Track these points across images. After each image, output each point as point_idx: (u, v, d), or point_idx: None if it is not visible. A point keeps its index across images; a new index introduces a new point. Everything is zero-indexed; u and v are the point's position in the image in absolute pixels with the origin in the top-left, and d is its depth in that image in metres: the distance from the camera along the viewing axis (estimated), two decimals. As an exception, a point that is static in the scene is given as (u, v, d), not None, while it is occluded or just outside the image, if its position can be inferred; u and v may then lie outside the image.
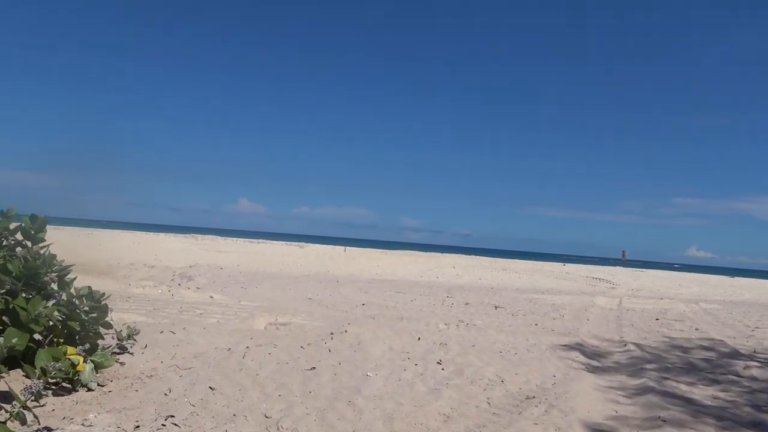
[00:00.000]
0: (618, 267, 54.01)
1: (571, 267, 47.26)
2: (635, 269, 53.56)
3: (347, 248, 50.92)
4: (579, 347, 10.12)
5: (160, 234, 56.67)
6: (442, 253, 60.20)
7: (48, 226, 6.88)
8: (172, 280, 22.72)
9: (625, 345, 10.51)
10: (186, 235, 57.30)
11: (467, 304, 16.64)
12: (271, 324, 10.50)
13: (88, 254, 29.51)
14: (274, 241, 58.38)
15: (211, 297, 13.47)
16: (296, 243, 55.97)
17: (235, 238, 56.37)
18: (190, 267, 25.79)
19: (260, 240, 56.90)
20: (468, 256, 54.76)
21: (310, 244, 55.60)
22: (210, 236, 54.08)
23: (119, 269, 26.44)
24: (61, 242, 29.06)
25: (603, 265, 59.71)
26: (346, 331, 9.70)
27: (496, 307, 15.82)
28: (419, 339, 9.68)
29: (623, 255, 60.37)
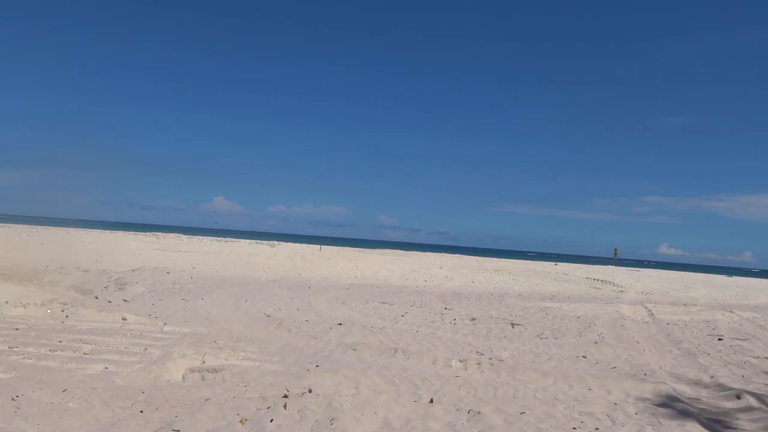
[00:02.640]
0: (610, 266, 51.19)
1: (564, 267, 44.13)
2: (629, 268, 50.73)
3: (323, 247, 46.99)
4: (676, 403, 6.49)
5: (119, 232, 52.06)
6: (423, 251, 56.69)
7: None
8: (105, 288, 18.63)
9: (738, 397, 6.89)
10: (148, 233, 52.64)
11: (473, 319, 12.95)
12: (193, 370, 6.64)
13: (16, 255, 25.25)
14: (244, 240, 54.13)
15: (124, 319, 9.53)
16: (267, 241, 51.83)
17: (201, 237, 51.99)
18: (133, 271, 21.70)
19: (229, 239, 52.57)
20: (452, 255, 51.27)
21: (282, 243, 51.51)
22: (174, 234, 49.65)
23: (47, 274, 22.20)
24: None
25: (594, 263, 56.98)
26: (309, 390, 5.90)
27: (513, 325, 12.16)
28: (431, 400, 5.93)
29: (615, 253, 57.67)
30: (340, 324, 11.03)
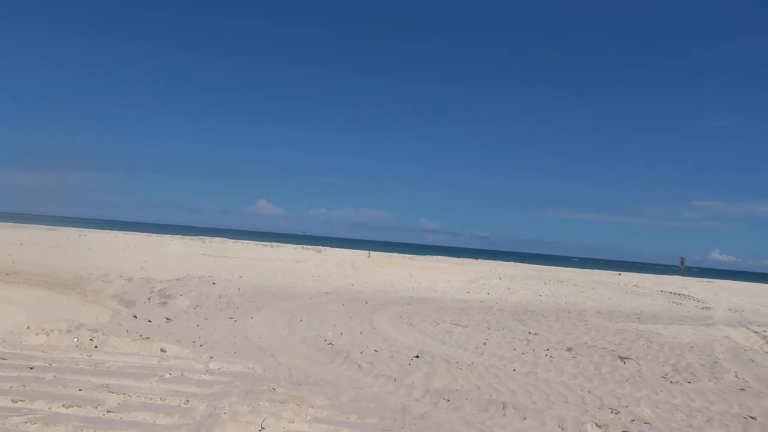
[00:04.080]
0: (677, 276, 47.60)
1: (629, 277, 41.06)
2: (698, 279, 47.02)
3: (371, 253, 45.24)
4: None
5: (165, 236, 51.73)
6: (466, 257, 54.37)
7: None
8: (148, 299, 17.29)
9: None
10: (194, 237, 52.10)
11: (570, 350, 10.86)
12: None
13: (59, 262, 24.42)
14: (290, 244, 52.97)
15: (162, 351, 7.89)
16: (313, 246, 50.50)
17: (246, 241, 51.07)
18: (177, 280, 20.39)
19: (274, 243, 51.47)
20: (506, 262, 48.68)
21: (328, 248, 50.07)
22: (219, 239, 48.87)
23: (90, 281, 21.14)
24: (38, 245, 23.38)
25: (656, 273, 53.36)
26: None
27: (623, 360, 10.01)
28: None
29: (682, 263, 53.53)
30: (417, 356, 9.14)
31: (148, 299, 17.37)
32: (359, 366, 8.17)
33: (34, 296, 18.13)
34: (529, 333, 12.84)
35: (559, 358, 9.94)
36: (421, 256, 49.00)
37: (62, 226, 61.59)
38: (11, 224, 52.11)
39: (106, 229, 63.96)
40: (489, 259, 55.82)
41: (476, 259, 51.89)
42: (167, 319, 11.70)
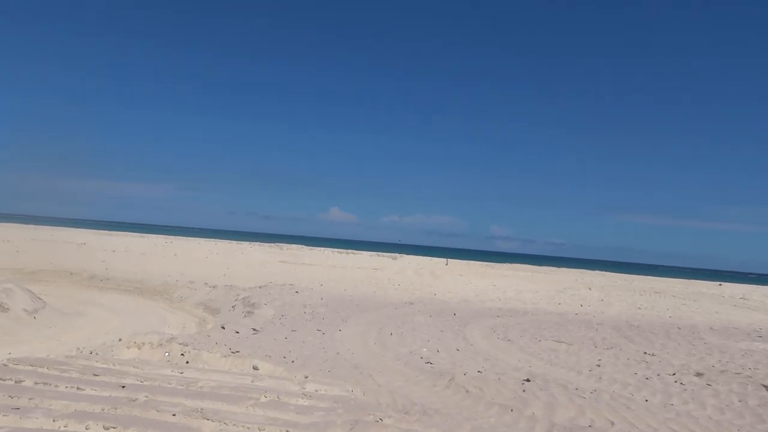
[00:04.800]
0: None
1: (733, 288, 37.64)
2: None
3: (449, 261, 44.12)
4: None
5: (244, 243, 52.89)
6: (543, 265, 52.02)
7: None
8: (232, 308, 17.18)
9: None
10: (271, 244, 52.95)
11: (700, 375, 9.48)
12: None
13: (148, 269, 25.07)
14: (364, 252, 52.74)
15: (255, 368, 7.34)
16: (388, 254, 49.98)
17: (322, 248, 51.32)
18: (260, 288, 20.29)
19: (349, 250, 51.46)
20: (591, 271, 46.06)
21: (404, 255, 49.36)
22: (295, 246, 49.34)
23: (177, 288, 21.44)
24: (129, 252, 24.09)
25: (761, 284, 48.89)
26: None
27: (770, 390, 8.55)
28: None
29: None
30: (528, 380, 8.14)
31: (233, 307, 17.27)
32: (467, 391, 7.29)
33: (125, 303, 18.52)
34: (645, 353, 11.46)
35: (692, 386, 8.62)
36: (500, 264, 47.34)
37: (150, 233, 64.45)
38: (105, 231, 54.95)
39: (189, 236, 66.31)
40: (567, 267, 53.25)
41: (558, 267, 49.56)
42: (254, 330, 11.29)
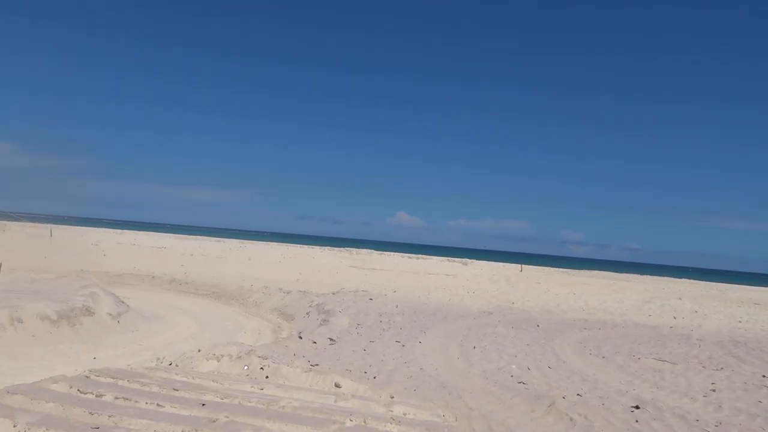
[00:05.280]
0: None
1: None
2: None
3: (523, 267, 42.61)
4: None
5: (315, 247, 53.42)
6: (621, 272, 49.21)
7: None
8: (306, 314, 16.97)
9: None
10: (342, 249, 53.16)
11: (840, 406, 8.15)
12: None
13: (224, 273, 25.49)
14: (434, 257, 51.95)
15: (337, 386, 6.88)
16: (458, 259, 48.97)
17: (391, 253, 50.98)
18: (333, 294, 20.04)
19: (419, 255, 50.85)
20: (679, 279, 43.10)
21: (474, 261, 48.20)
22: (365, 250, 49.23)
23: (252, 293, 21.58)
24: (206, 256, 24.54)
25: None
26: None
27: None
28: None
29: None
30: (637, 407, 7.24)
31: (307, 314, 17.08)
32: (571, 419, 6.50)
33: (203, 307, 18.76)
34: (763, 377, 10.16)
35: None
36: (577, 271, 45.23)
37: (224, 237, 66.38)
38: (184, 236, 57.05)
39: (262, 240, 67.82)
40: (648, 273, 50.22)
41: (640, 275, 46.81)
42: (331, 340, 10.90)
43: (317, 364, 8.21)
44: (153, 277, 23.17)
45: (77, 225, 60.89)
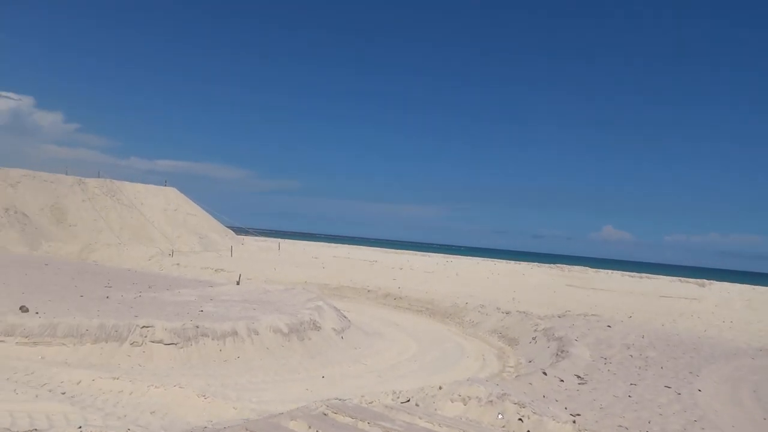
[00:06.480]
0: None
1: None
2: None
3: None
4: None
5: (522, 263, 50.93)
6: None
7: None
8: (533, 340, 15.15)
9: None
10: (552, 265, 49.87)
11: None
12: None
13: (437, 289, 24.79)
14: (660, 276, 45.65)
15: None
16: (693, 280, 42.22)
17: (608, 271, 46.14)
18: (559, 318, 17.83)
19: (642, 274, 45.07)
20: None
21: (713, 282, 41.10)
22: (578, 267, 45.31)
23: (467, 312, 20.33)
24: (414, 271, 24.28)
25: None
26: None
27: None
28: None
29: None
30: None
31: (533, 339, 15.29)
32: None
33: (418, 324, 18.08)
34: None
35: None
36: None
37: (423, 251, 67.19)
38: (390, 250, 58.93)
39: (467, 255, 67.16)
40: None
41: None
42: (579, 378, 9.07)
43: (579, 415, 6.53)
44: (368, 290, 23.46)
45: (298, 239, 66.83)
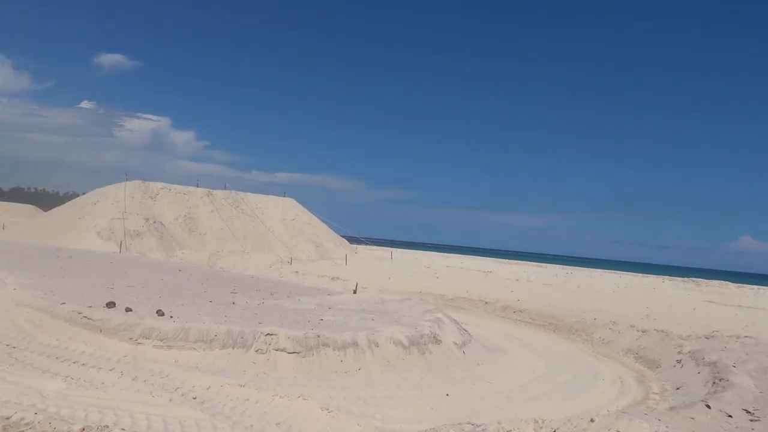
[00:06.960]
0: None
1: None
2: None
3: None
4: None
5: (650, 276, 47.03)
6: None
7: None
8: (678, 363, 13.51)
9: None
10: (686, 279, 45.60)
11: None
12: None
13: (559, 302, 23.24)
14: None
15: None
16: None
17: (755, 286, 41.21)
18: (707, 339, 15.83)
19: (797, 291, 39.66)
20: None
21: None
22: (718, 282, 40.89)
23: (595, 329, 18.73)
24: (532, 283, 23.10)
25: None
26: None
27: None
28: None
29: None
30: None
31: (678, 362, 13.63)
32: None
33: (542, 340, 16.85)
34: None
35: None
36: None
37: (544, 262, 64.38)
38: (504, 260, 57.13)
39: (586, 267, 63.47)
40: None
41: None
42: (749, 413, 7.73)
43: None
44: (486, 302, 22.53)
45: (408, 248, 66.78)
